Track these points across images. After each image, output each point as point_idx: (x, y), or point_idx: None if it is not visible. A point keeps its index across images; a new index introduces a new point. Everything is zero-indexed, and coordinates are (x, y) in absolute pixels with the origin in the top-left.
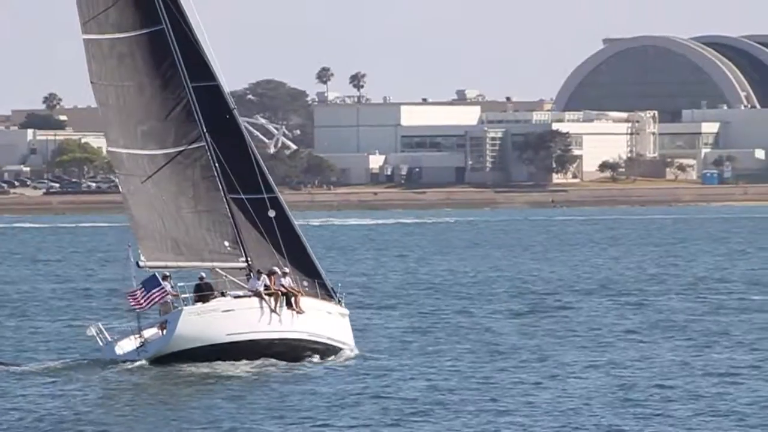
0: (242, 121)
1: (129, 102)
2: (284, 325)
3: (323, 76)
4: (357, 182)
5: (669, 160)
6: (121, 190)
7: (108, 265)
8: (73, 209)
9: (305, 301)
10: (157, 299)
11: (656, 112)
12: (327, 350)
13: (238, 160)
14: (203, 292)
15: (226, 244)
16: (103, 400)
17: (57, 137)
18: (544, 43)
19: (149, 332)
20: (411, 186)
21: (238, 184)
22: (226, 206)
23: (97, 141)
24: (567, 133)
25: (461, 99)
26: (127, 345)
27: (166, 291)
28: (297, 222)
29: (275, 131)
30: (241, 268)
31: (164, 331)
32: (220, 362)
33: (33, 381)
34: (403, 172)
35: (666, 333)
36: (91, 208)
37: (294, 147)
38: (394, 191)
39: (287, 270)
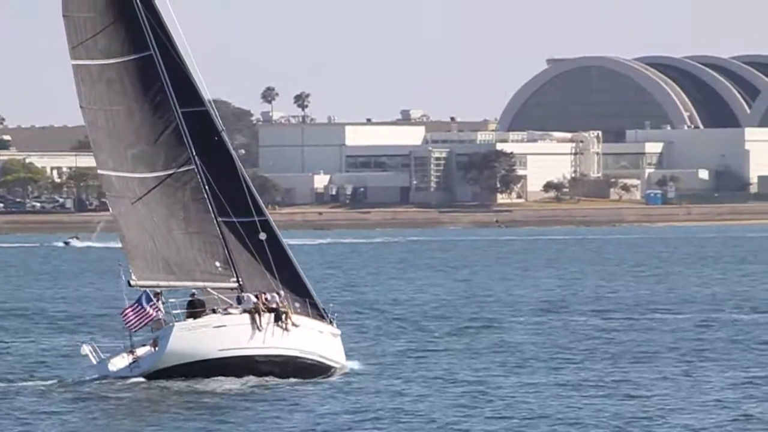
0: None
1: (119, 126)
2: (275, 342)
3: (268, 95)
4: (302, 202)
5: (613, 180)
6: (111, 211)
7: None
8: (17, 229)
9: (296, 319)
10: (152, 314)
11: (600, 132)
12: (318, 368)
13: (228, 183)
14: (195, 309)
15: (217, 264)
16: (95, 417)
17: (1, 157)
18: (489, 63)
19: (142, 350)
20: (356, 206)
21: (228, 207)
22: (217, 228)
23: (41, 161)
24: (511, 153)
25: (406, 119)
26: (119, 362)
27: (158, 307)
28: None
29: None
30: (232, 289)
31: (156, 348)
32: (211, 378)
33: (26, 399)
34: (348, 192)
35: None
36: (35, 228)
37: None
38: (339, 211)
39: (281, 292)
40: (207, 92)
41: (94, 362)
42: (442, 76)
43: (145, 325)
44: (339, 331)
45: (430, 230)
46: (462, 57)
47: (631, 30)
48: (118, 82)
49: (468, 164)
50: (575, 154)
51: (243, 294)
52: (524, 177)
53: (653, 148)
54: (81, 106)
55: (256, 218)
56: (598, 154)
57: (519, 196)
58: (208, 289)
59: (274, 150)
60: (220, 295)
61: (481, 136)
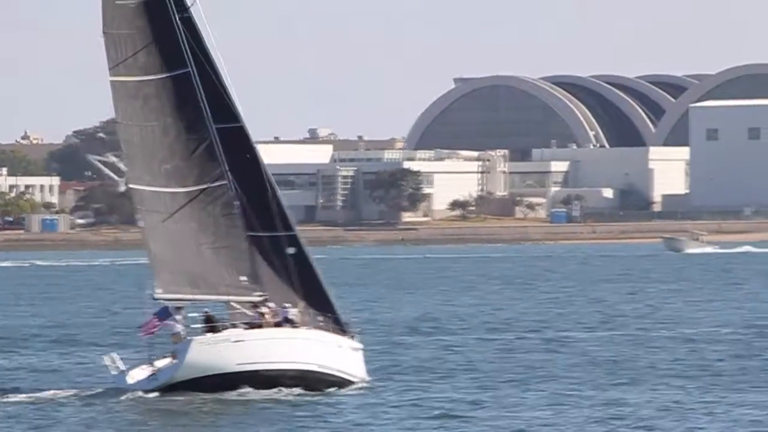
0: (94, 159)
1: (153, 141)
2: (294, 356)
3: None
4: None
5: (519, 198)
6: (141, 225)
7: None
8: None
9: (317, 334)
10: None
11: (506, 151)
12: (337, 382)
13: (259, 198)
14: (213, 324)
15: (243, 278)
16: (112, 428)
17: None
18: (396, 81)
19: (161, 362)
20: None
21: (257, 222)
22: (245, 242)
23: None
24: (418, 171)
25: (313, 137)
26: (138, 374)
27: (176, 320)
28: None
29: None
30: (256, 303)
31: (175, 361)
32: (229, 391)
33: (44, 409)
34: None
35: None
36: None
37: None
38: None
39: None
40: (242, 111)
41: (115, 373)
42: (349, 95)
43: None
44: (360, 346)
45: (337, 248)
46: (369, 76)
47: (538, 49)
48: (154, 98)
49: (375, 182)
50: (482, 172)
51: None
52: (431, 195)
53: (559, 166)
54: (116, 122)
55: (285, 233)
56: (504, 172)
57: (425, 215)
58: (232, 304)
59: None
60: (244, 309)
61: (388, 155)
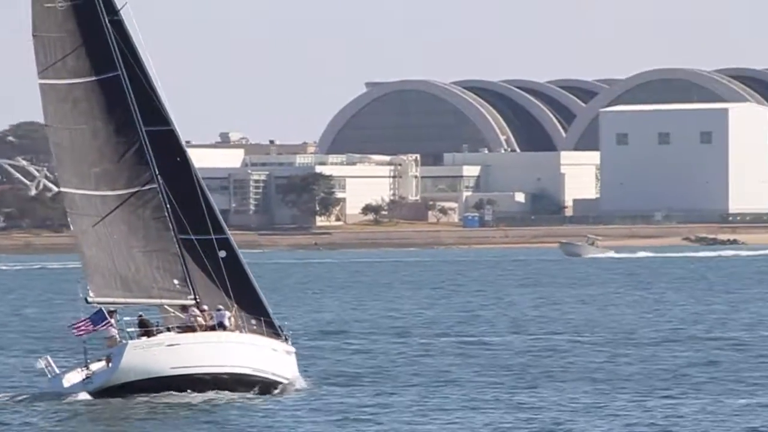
0: (4, 163)
1: (83, 144)
2: (228, 360)
3: None
4: None
5: (431, 202)
6: (72, 229)
7: None
8: None
9: (250, 338)
10: (103, 327)
11: (418, 155)
12: (271, 385)
13: (189, 202)
14: (147, 327)
15: (175, 282)
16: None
17: None
18: (308, 86)
19: (96, 366)
20: None
21: (188, 225)
22: (176, 246)
23: None
24: (330, 176)
25: (225, 142)
26: (73, 377)
27: (111, 323)
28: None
29: (36, 173)
30: (188, 306)
31: (110, 364)
32: (163, 394)
33: None
34: None
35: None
36: None
37: (56, 189)
38: None
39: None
40: (171, 112)
41: (50, 376)
42: (261, 99)
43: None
44: (293, 349)
45: (251, 252)
46: (281, 80)
47: (448, 54)
48: (84, 101)
49: (287, 187)
50: (394, 177)
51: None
52: (343, 200)
53: (471, 171)
54: (46, 125)
55: (216, 236)
56: (416, 177)
57: (338, 219)
58: (165, 307)
59: None
60: (176, 313)
61: (300, 159)
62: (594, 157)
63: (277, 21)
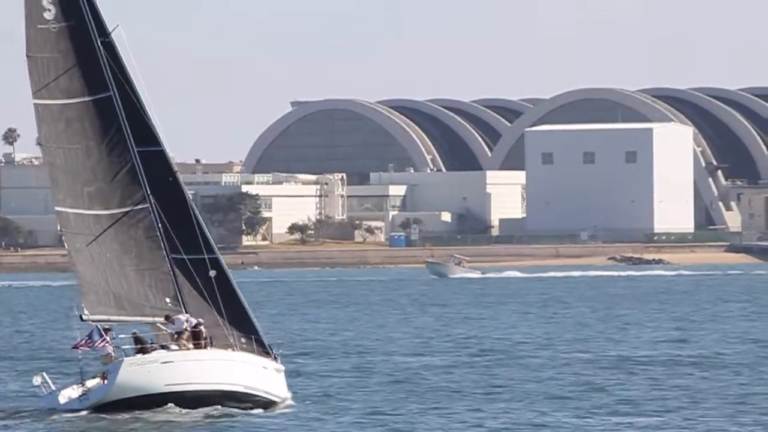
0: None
1: (76, 164)
2: (221, 377)
3: (9, 137)
4: (44, 244)
5: (357, 222)
6: (66, 247)
7: None
8: None
9: (242, 356)
10: (101, 345)
11: (344, 174)
12: (262, 403)
13: (181, 222)
14: (142, 345)
15: (167, 300)
16: None
17: None
18: (233, 105)
19: (92, 382)
20: None
21: (180, 245)
22: (168, 265)
23: None
24: (256, 195)
25: None
26: (69, 394)
27: (106, 340)
28: None
29: None
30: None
31: (105, 381)
32: (157, 411)
33: None
34: None
35: None
36: None
37: None
38: None
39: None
40: (164, 135)
41: (45, 393)
42: (186, 118)
43: (97, 347)
44: (283, 367)
45: None
46: (207, 98)
47: (374, 73)
48: (77, 122)
49: (213, 206)
50: (320, 196)
51: (174, 316)
52: (269, 219)
53: (397, 190)
54: (40, 144)
55: (207, 256)
56: (342, 196)
57: (264, 238)
58: (158, 325)
59: (17, 191)
60: (169, 331)
61: (226, 178)
62: (519, 176)
63: (202, 39)
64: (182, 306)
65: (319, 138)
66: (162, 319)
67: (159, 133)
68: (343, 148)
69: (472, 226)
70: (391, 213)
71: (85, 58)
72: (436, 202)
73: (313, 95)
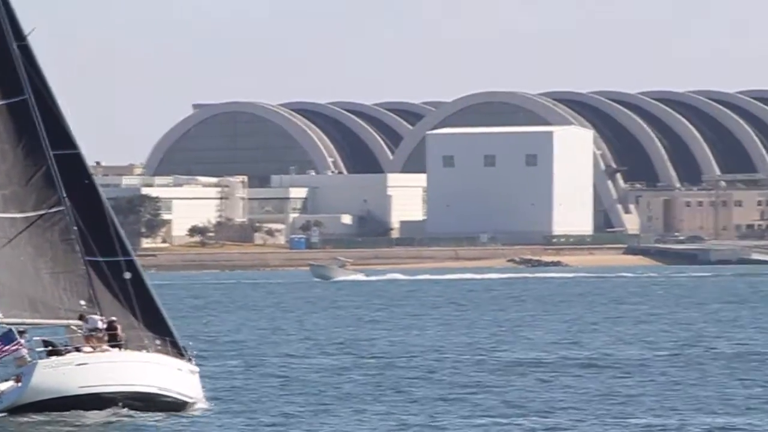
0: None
1: None
2: (135, 379)
3: None
4: None
5: (258, 224)
6: None
7: None
8: None
9: (157, 357)
10: (12, 350)
11: (245, 177)
12: (176, 404)
13: (96, 224)
14: (54, 347)
15: (82, 302)
16: None
17: None
18: (134, 107)
19: (5, 385)
20: None
21: (95, 247)
22: (83, 267)
23: None
24: (157, 197)
25: None
26: None
27: (21, 344)
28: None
29: None
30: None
31: (20, 383)
32: (72, 413)
33: None
34: None
35: None
36: None
37: None
38: None
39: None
40: (77, 135)
41: None
42: (86, 119)
43: (6, 356)
44: (197, 369)
45: None
46: (107, 100)
47: (276, 76)
48: None
49: (113, 208)
50: (221, 198)
51: (88, 316)
52: (170, 221)
53: (298, 193)
54: None
55: (122, 258)
56: (243, 198)
57: (164, 241)
58: (72, 327)
59: None
60: (83, 331)
61: (127, 181)
62: (421, 179)
63: (102, 41)
64: (97, 308)
65: (220, 140)
66: (77, 321)
67: (74, 137)
68: (244, 151)
69: (372, 229)
70: (292, 215)
71: (0, 62)
72: (337, 205)
73: (215, 98)
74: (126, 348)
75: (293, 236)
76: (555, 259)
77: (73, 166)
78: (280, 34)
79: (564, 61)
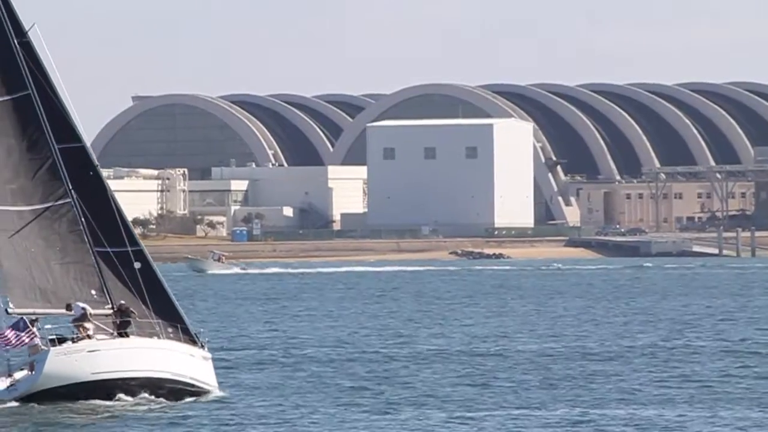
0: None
1: None
2: (148, 365)
3: None
4: None
5: (199, 217)
6: None
7: None
8: None
9: (169, 344)
10: (26, 340)
11: (186, 169)
12: (189, 390)
13: (103, 215)
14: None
15: (93, 292)
16: None
17: None
18: (73, 99)
19: (20, 373)
20: None
21: (103, 238)
22: (92, 257)
23: None
24: None
25: None
26: None
27: (35, 333)
28: None
29: None
30: (107, 315)
31: (33, 371)
32: (87, 400)
33: None
34: None
35: None
36: None
37: None
38: None
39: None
40: (83, 131)
41: None
42: None
43: (20, 346)
44: (210, 355)
45: None
46: None
47: (215, 68)
48: None
49: None
50: (161, 191)
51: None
52: None
53: (238, 185)
54: None
55: (130, 248)
56: (184, 191)
57: None
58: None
59: None
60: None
61: None
62: (361, 171)
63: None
64: (108, 297)
65: (160, 133)
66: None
67: (79, 130)
68: (184, 143)
69: (314, 221)
70: (233, 208)
71: (2, 59)
72: (278, 197)
73: (154, 90)
74: (136, 335)
75: (235, 228)
76: (497, 251)
77: (78, 159)
78: (219, 26)
79: (504, 53)
